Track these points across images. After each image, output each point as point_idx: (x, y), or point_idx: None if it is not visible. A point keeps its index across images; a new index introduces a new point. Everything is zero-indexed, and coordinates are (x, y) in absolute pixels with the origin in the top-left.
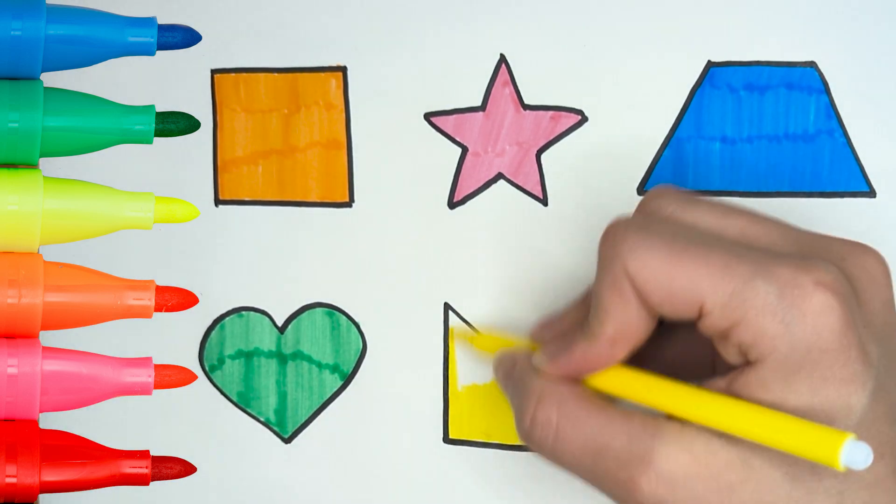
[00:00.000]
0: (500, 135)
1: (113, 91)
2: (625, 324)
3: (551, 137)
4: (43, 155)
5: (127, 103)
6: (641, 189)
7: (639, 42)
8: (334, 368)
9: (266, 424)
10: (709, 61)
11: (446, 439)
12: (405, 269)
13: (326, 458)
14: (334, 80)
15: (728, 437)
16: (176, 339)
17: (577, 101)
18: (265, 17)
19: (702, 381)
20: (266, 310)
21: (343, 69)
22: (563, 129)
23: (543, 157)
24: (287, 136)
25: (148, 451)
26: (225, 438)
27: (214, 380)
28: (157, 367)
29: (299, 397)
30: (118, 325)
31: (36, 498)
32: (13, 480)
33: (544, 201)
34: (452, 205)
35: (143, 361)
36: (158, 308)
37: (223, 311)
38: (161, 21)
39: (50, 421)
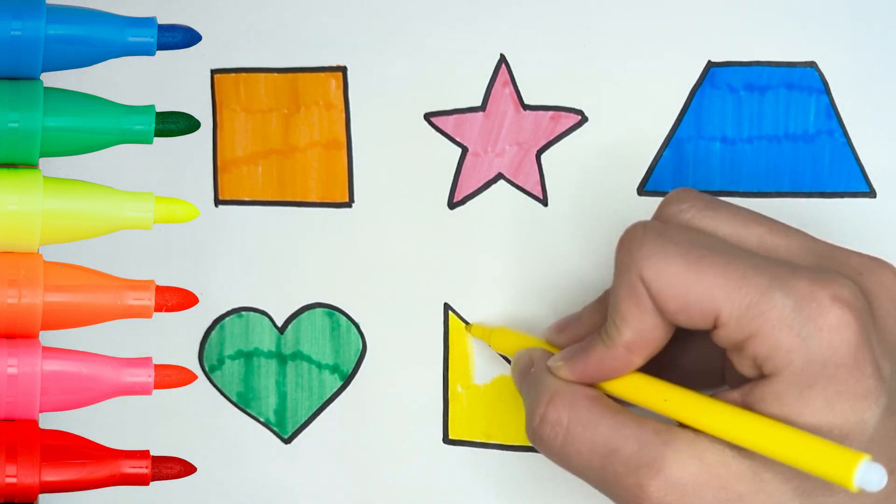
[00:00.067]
0: (500, 135)
1: (113, 91)
2: (642, 331)
3: (551, 137)
4: (43, 155)
5: (127, 103)
6: (641, 189)
7: (639, 42)
8: (334, 369)
9: (266, 425)
10: (709, 61)
11: (446, 439)
12: (405, 269)
13: (326, 458)
14: (334, 80)
15: (740, 448)
16: (176, 339)
17: (577, 101)
18: (265, 17)
19: (716, 393)
20: (266, 310)
21: (343, 69)
22: (563, 129)
23: (543, 157)
24: (287, 136)
25: (148, 451)
26: (225, 438)
27: (214, 380)
28: (157, 367)
29: (299, 397)
30: (118, 325)
31: (36, 498)
32: (13, 480)
33: (544, 201)
34: (452, 205)
35: (143, 361)
36: (158, 308)
37: (223, 311)
38: (161, 21)
39: (50, 421)
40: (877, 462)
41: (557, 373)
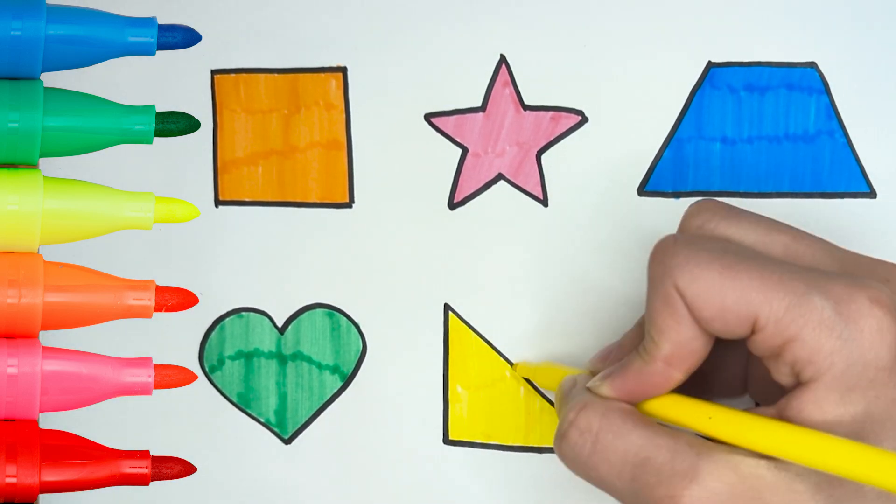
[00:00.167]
0: (501, 135)
1: (113, 91)
2: (680, 343)
3: (551, 138)
4: (43, 155)
5: (127, 103)
6: (641, 189)
7: (639, 42)
8: (334, 369)
9: (266, 425)
10: (709, 62)
11: (446, 440)
12: (405, 269)
13: (326, 458)
14: (334, 81)
15: (774, 459)
16: (176, 339)
17: (577, 101)
18: (265, 17)
19: (751, 409)
20: (266, 310)
21: (343, 69)
22: (563, 130)
23: (543, 157)
24: (287, 136)
25: (148, 451)
26: (225, 439)
27: (214, 380)
28: (157, 367)
29: (299, 398)
30: (118, 325)
31: (36, 498)
32: (13, 480)
33: (544, 201)
34: (453, 205)
35: (143, 361)
36: (158, 308)
37: (223, 311)
38: (161, 21)
39: (50, 421)
40: None
41: (597, 391)
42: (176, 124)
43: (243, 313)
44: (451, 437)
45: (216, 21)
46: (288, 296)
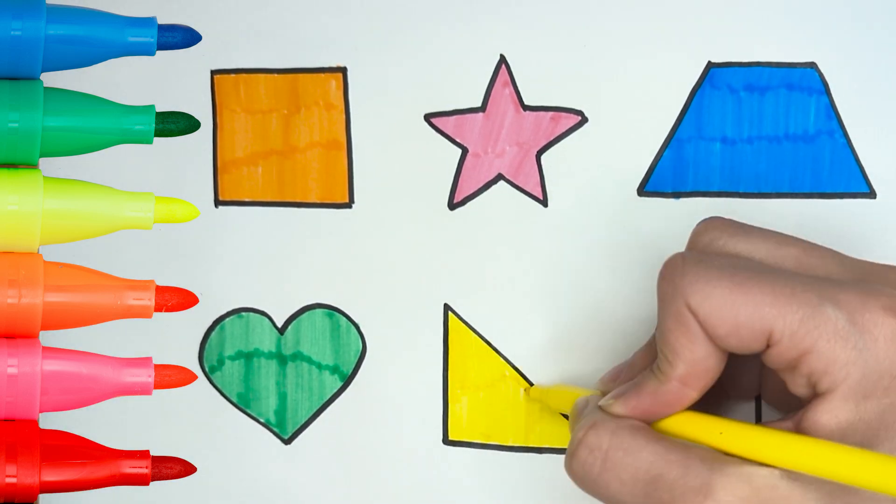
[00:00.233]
0: (500, 135)
1: (113, 91)
2: (695, 362)
3: (551, 138)
4: (43, 155)
5: (127, 103)
6: (641, 189)
7: (639, 42)
8: (334, 369)
9: (266, 425)
10: (709, 62)
11: (446, 440)
12: (405, 269)
13: (326, 459)
14: (334, 81)
15: (788, 471)
16: (176, 339)
17: (577, 101)
18: (265, 17)
19: (768, 423)
20: (266, 310)
21: (343, 69)
22: (563, 130)
23: (543, 157)
24: (287, 136)
25: (148, 451)
26: (225, 439)
27: (214, 380)
28: (157, 367)
29: (299, 398)
30: (118, 325)
31: (36, 498)
32: (13, 480)
33: (544, 202)
34: (452, 206)
35: (143, 361)
36: (158, 308)
37: (223, 311)
38: (161, 21)
39: (50, 421)
40: None
41: (610, 410)
42: (176, 124)
43: (243, 313)
44: (450, 437)
45: (216, 21)
46: (288, 296)
